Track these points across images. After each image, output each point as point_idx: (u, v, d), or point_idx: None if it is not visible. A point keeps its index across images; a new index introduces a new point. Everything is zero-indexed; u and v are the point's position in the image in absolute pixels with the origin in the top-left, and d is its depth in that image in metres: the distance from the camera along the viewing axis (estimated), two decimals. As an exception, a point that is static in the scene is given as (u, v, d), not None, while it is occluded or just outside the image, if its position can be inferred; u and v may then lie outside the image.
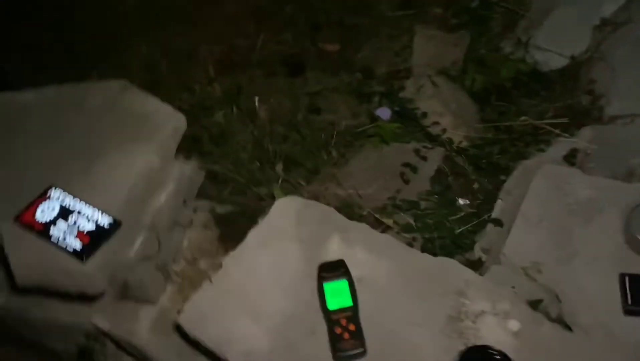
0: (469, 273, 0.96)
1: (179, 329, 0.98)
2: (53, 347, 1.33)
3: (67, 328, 1.17)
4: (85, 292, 0.96)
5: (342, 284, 0.93)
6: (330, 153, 1.50)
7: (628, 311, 0.87)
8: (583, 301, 0.90)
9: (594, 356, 0.83)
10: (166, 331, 1.08)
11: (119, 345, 1.16)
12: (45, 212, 0.97)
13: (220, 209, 1.29)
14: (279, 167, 1.42)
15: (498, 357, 0.64)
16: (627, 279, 0.88)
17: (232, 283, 0.99)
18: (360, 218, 1.21)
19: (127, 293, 1.04)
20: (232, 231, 1.25)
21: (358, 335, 0.88)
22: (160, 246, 1.07)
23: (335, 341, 0.88)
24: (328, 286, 0.93)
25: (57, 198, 0.99)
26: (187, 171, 1.17)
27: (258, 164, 1.46)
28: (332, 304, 0.91)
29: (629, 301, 0.86)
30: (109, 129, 1.12)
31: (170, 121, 1.15)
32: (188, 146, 1.25)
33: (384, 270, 0.97)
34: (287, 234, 1.04)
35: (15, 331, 1.34)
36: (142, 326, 1.09)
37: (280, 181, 1.38)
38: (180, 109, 1.14)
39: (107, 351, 1.20)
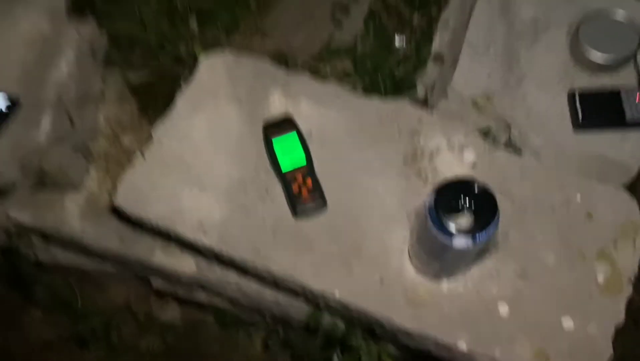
0: (420, 111, 0.92)
1: (116, 211, 0.88)
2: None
3: (-18, 231, 1.04)
4: (-6, 186, 0.83)
5: (292, 141, 0.86)
6: (248, 1, 1.33)
7: (578, 126, 0.88)
8: (533, 123, 0.90)
9: (548, 174, 0.85)
10: (99, 216, 0.99)
11: (46, 237, 1.05)
12: None
13: (134, 76, 1.13)
14: (193, 23, 1.25)
15: (475, 189, 0.61)
16: (576, 94, 0.88)
17: (167, 154, 0.88)
18: (295, 69, 1.11)
19: (45, 180, 0.91)
20: (151, 99, 1.11)
21: (316, 190, 0.83)
22: (73, 123, 0.92)
23: (294, 199, 0.83)
24: (277, 144, 0.86)
25: None
26: (86, 34, 0.99)
27: (167, 20, 1.27)
28: (285, 162, 0.85)
29: (579, 116, 0.87)
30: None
31: (52, -28, 0.93)
32: (79, 6, 1.04)
33: (333, 120, 0.91)
34: (221, 94, 0.93)
35: None
36: (70, 214, 0.98)
37: (197, 38, 1.22)
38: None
39: (34, 246, 1.09)
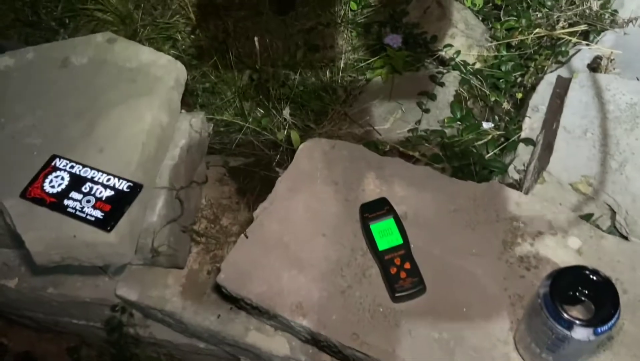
0: (517, 194, 0.92)
1: (218, 289, 0.91)
2: (73, 326, 1.26)
3: (89, 304, 1.10)
4: (112, 264, 0.89)
5: (388, 223, 0.88)
6: (336, 91, 1.41)
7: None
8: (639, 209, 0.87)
9: (663, 262, 0.81)
10: (198, 294, 1.03)
11: (147, 313, 1.10)
12: (54, 183, 0.87)
13: (233, 161, 1.21)
14: (286, 112, 1.34)
15: (595, 278, 0.59)
16: (686, 180, 0.85)
17: (268, 235, 0.92)
18: (383, 154, 1.15)
19: (155, 259, 0.97)
20: (248, 183, 1.18)
21: (415, 273, 0.83)
22: (182, 206, 0.99)
23: (392, 281, 0.83)
24: (375, 227, 0.88)
25: (64, 167, 0.89)
26: (196, 124, 1.08)
27: (262, 111, 1.37)
28: (382, 244, 0.86)
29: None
30: (104, 86, 1.02)
31: (171, 72, 1.05)
32: (184, 100, 1.16)
33: (428, 203, 0.92)
34: (318, 178, 0.97)
35: (30, 314, 1.26)
36: (173, 291, 1.02)
37: (288, 126, 1.30)
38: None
39: (134, 322, 1.14)
